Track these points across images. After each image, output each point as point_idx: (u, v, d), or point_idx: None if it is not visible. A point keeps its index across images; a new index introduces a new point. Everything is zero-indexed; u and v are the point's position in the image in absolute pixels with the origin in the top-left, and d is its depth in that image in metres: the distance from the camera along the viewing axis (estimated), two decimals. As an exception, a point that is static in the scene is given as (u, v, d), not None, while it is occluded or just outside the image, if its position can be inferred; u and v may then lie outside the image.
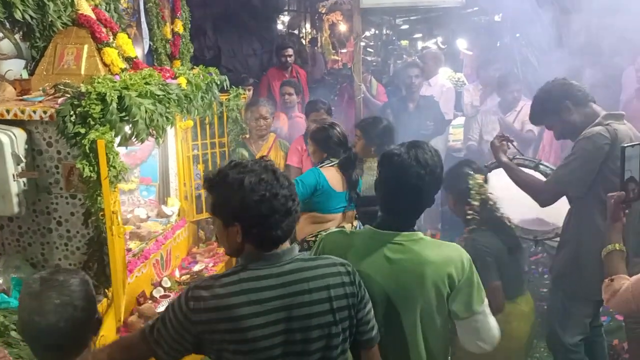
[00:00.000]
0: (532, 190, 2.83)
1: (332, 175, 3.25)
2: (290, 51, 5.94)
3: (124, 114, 2.42)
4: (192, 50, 4.74)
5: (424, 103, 4.86)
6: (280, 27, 11.95)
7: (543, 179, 3.03)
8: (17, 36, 2.83)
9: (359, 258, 1.82)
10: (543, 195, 2.80)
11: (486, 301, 1.87)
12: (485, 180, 2.77)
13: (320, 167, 3.26)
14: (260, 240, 1.59)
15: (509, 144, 3.07)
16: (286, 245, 1.63)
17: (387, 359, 1.80)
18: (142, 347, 1.57)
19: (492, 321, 1.88)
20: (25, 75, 2.83)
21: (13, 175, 2.46)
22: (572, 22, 5.56)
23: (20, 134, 2.48)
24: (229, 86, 3.67)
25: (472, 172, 2.75)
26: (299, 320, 1.54)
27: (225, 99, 3.79)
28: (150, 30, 4.11)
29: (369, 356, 1.72)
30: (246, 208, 1.54)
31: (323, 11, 13.83)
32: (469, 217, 2.72)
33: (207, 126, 3.72)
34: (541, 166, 3.15)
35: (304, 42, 13.06)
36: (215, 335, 1.52)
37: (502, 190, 3.05)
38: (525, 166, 3.10)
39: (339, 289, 1.60)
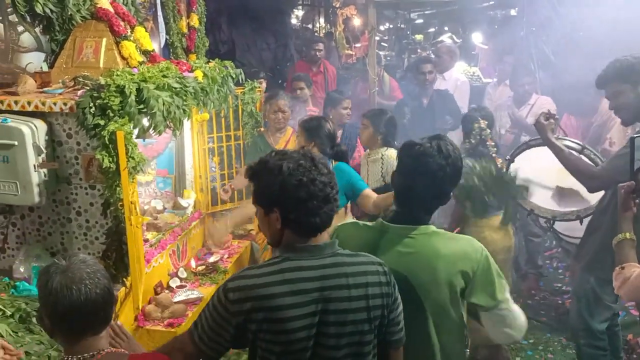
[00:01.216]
0: (584, 175, 2.75)
1: None
2: (321, 45, 5.97)
3: (142, 106, 2.46)
4: (207, 44, 4.78)
5: (438, 97, 4.84)
6: (294, 21, 11.97)
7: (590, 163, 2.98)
8: (37, 29, 2.89)
9: (370, 252, 1.78)
10: (595, 182, 2.72)
11: (508, 289, 1.83)
12: (488, 125, 3.36)
13: None
14: (299, 227, 1.58)
15: (556, 121, 2.96)
16: (327, 238, 1.63)
17: (404, 354, 1.76)
18: (189, 345, 1.59)
19: (517, 308, 1.85)
20: (45, 68, 2.88)
21: (34, 166, 2.52)
22: (589, 15, 5.50)
23: (41, 126, 2.54)
24: (244, 79, 3.70)
25: (479, 116, 3.38)
26: (335, 314, 1.54)
27: (241, 92, 3.82)
28: (166, 24, 4.15)
29: (396, 356, 1.71)
30: (284, 192, 1.55)
31: (337, 5, 13.81)
32: (466, 145, 3.34)
33: (223, 119, 3.75)
34: (586, 150, 3.05)
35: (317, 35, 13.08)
36: (252, 325, 1.52)
37: (524, 167, 3.11)
38: (571, 148, 2.98)
39: (375, 287, 1.59)
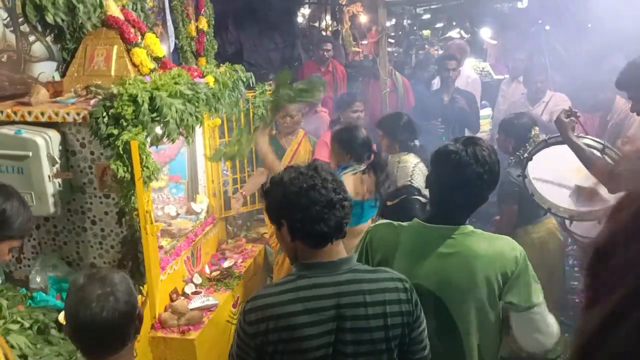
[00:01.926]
0: (605, 175, 2.68)
1: (353, 184, 3.01)
2: (329, 45, 5.94)
3: (155, 114, 2.45)
4: (216, 47, 4.77)
5: (461, 97, 4.79)
6: (300, 19, 11.94)
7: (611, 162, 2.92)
8: (48, 39, 2.88)
9: (407, 254, 1.79)
10: (616, 183, 2.64)
11: (542, 295, 1.79)
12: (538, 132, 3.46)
13: (344, 174, 3.04)
14: (307, 236, 1.56)
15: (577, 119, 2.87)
16: (342, 253, 1.60)
17: (439, 356, 1.75)
18: None
19: (551, 316, 1.81)
20: (57, 77, 2.88)
21: (48, 177, 2.51)
22: (599, 5, 5.43)
23: (54, 136, 2.53)
24: (254, 83, 3.68)
25: (531, 123, 3.48)
26: (352, 332, 1.51)
27: (251, 96, 3.80)
28: (175, 28, 4.14)
29: None
30: (287, 202, 1.55)
31: (343, 3, 13.77)
32: (517, 153, 3.37)
33: (234, 123, 3.74)
34: (607, 149, 2.97)
35: (325, 34, 13.04)
36: (269, 347, 1.50)
37: (542, 166, 3.06)
38: (592, 147, 2.91)
39: (394, 305, 1.55)
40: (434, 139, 4.17)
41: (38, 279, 2.69)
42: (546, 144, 3.09)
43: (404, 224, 1.89)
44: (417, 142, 3.55)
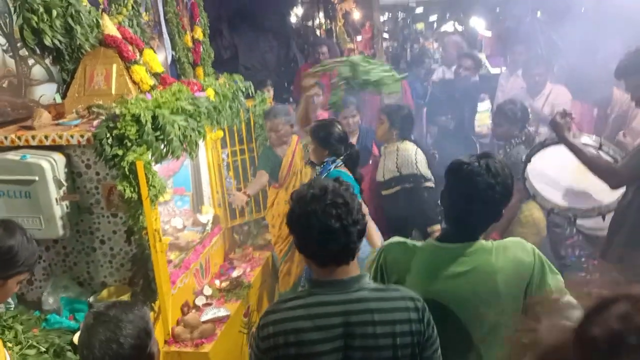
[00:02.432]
0: (605, 172, 2.71)
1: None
2: (324, 48, 5.92)
3: (158, 132, 2.46)
4: (212, 56, 4.78)
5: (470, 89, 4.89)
6: (294, 19, 11.92)
7: (608, 159, 2.94)
8: (47, 61, 2.89)
9: (423, 276, 1.79)
10: (617, 179, 2.69)
11: (563, 284, 1.78)
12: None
13: (338, 166, 3.17)
14: (311, 256, 1.59)
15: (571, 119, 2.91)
16: (354, 272, 1.60)
17: None
18: None
19: (577, 303, 1.82)
20: (58, 99, 2.89)
21: (56, 200, 2.53)
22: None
23: (59, 159, 2.54)
24: (254, 92, 3.69)
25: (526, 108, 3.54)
26: (360, 350, 1.52)
27: (251, 105, 3.81)
28: (171, 40, 4.15)
29: None
30: (291, 220, 1.59)
31: (335, 1, 13.76)
32: (515, 139, 3.45)
33: (235, 133, 3.75)
34: (604, 147, 3.01)
35: (318, 33, 13.02)
36: None
37: (542, 166, 3.09)
38: (589, 145, 2.95)
39: (404, 325, 1.54)
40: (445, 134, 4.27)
41: (51, 301, 2.71)
42: (543, 145, 3.10)
43: (418, 243, 1.89)
44: (412, 137, 3.65)
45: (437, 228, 3.50)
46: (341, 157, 3.16)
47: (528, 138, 3.52)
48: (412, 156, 3.53)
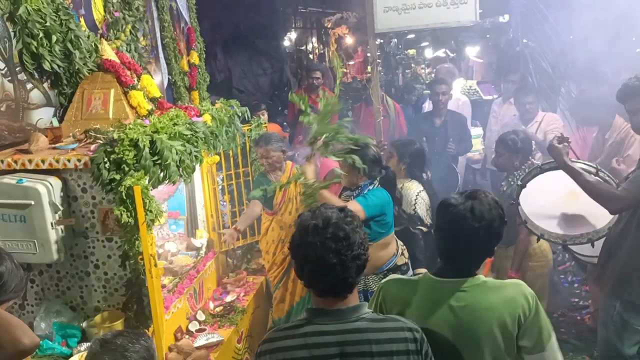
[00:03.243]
0: (605, 197, 2.72)
1: None
2: (318, 73, 5.97)
3: (156, 157, 2.47)
4: (208, 80, 4.82)
5: (452, 119, 4.88)
6: (287, 43, 12.06)
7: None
8: (45, 85, 2.91)
9: (422, 311, 1.80)
10: (619, 204, 2.70)
11: (554, 334, 1.83)
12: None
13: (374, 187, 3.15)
14: (310, 286, 1.60)
15: (569, 145, 2.94)
16: (353, 301, 1.61)
17: None
18: None
19: (559, 353, 1.83)
20: (55, 123, 2.89)
21: (51, 224, 2.52)
22: (580, 18, 5.54)
23: (56, 183, 2.54)
24: (249, 117, 3.71)
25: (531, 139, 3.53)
26: None
27: (247, 129, 3.83)
28: (168, 64, 4.19)
29: None
30: (291, 249, 1.61)
31: (329, 26, 13.95)
32: (517, 170, 3.44)
33: (231, 158, 3.76)
34: (600, 172, 3.03)
35: (312, 57, 13.16)
36: None
37: (533, 192, 3.12)
38: (586, 171, 2.95)
39: (402, 356, 1.55)
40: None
41: (43, 326, 2.68)
42: (540, 170, 3.13)
43: (415, 278, 1.92)
44: (424, 175, 3.58)
45: (422, 271, 3.41)
46: (377, 179, 3.15)
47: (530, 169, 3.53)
48: (412, 197, 3.48)
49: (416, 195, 3.46)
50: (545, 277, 3.52)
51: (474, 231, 1.76)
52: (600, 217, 2.89)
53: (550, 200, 3.07)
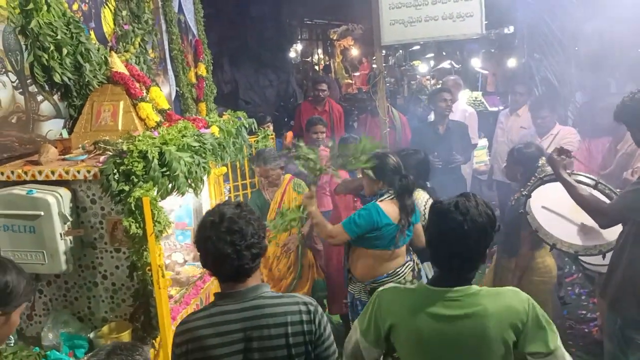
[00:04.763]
0: (596, 211, 2.76)
1: (392, 210, 3.10)
2: (324, 86, 5.99)
3: (165, 169, 2.49)
4: (215, 92, 4.86)
5: (454, 127, 4.87)
6: (293, 55, 12.15)
7: (603, 198, 2.99)
8: (55, 97, 2.94)
9: (417, 320, 1.80)
10: (606, 218, 2.73)
11: (559, 336, 1.81)
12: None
13: (380, 201, 3.13)
14: (213, 274, 1.86)
15: (569, 158, 2.98)
16: (253, 283, 1.83)
17: None
18: None
19: (569, 357, 1.82)
20: (65, 134, 2.92)
21: (60, 234, 2.53)
22: (584, 31, 5.56)
23: (65, 194, 2.56)
24: (256, 128, 3.74)
25: (540, 154, 3.48)
26: (258, 351, 1.75)
27: (254, 141, 3.86)
28: (176, 76, 4.23)
29: None
30: (194, 241, 1.86)
31: (334, 37, 14.06)
32: (529, 181, 3.38)
33: (238, 169, 3.78)
34: (600, 185, 3.04)
35: (317, 68, 13.25)
36: None
37: (544, 203, 3.12)
38: (584, 184, 2.99)
39: (297, 325, 1.77)
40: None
41: (50, 336, 2.68)
42: (542, 181, 3.15)
43: (411, 286, 1.94)
44: (428, 184, 3.57)
45: None
46: (392, 189, 3.13)
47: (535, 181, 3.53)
48: (421, 206, 3.45)
49: (424, 204, 3.46)
50: (549, 293, 3.48)
51: (459, 225, 1.74)
52: (612, 229, 2.88)
53: (564, 210, 3.08)
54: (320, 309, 1.85)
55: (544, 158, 3.47)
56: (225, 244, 1.74)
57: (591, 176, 3.09)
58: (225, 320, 1.77)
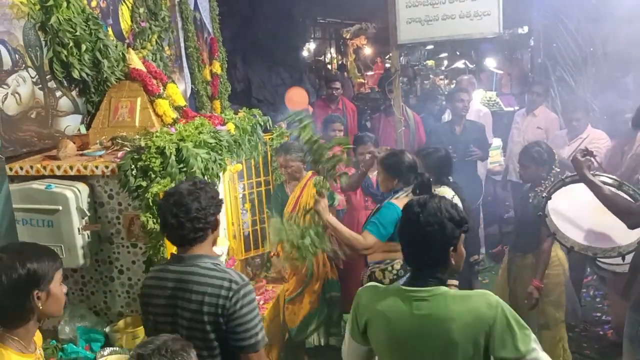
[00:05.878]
0: (623, 211, 2.71)
1: None
2: (337, 84, 5.97)
3: (182, 165, 2.50)
4: (229, 89, 4.87)
5: (471, 127, 4.85)
6: (306, 54, 12.15)
7: (628, 199, 2.93)
8: (73, 93, 2.97)
9: (389, 319, 1.84)
10: (632, 219, 2.68)
11: (534, 337, 1.78)
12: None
13: (395, 199, 3.06)
14: (168, 239, 2.20)
15: (594, 159, 2.94)
16: (197, 252, 2.08)
17: None
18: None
19: (545, 356, 1.79)
20: (82, 130, 2.95)
21: (78, 229, 2.56)
22: (599, 31, 5.50)
23: (83, 189, 2.59)
24: (271, 126, 3.74)
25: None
26: (181, 309, 2.04)
27: (269, 139, 3.86)
28: (191, 74, 4.25)
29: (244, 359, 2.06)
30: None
31: (347, 36, 14.05)
32: (544, 181, 3.41)
33: (253, 166, 3.79)
34: (624, 186, 2.99)
35: (330, 67, 13.23)
36: (143, 308, 2.17)
37: (563, 204, 3.09)
38: (608, 184, 2.93)
39: (213, 298, 1.97)
40: None
41: (67, 330, 2.71)
42: (564, 182, 3.11)
43: (388, 287, 1.97)
44: (450, 179, 3.54)
45: (455, 282, 3.18)
46: (410, 186, 3.07)
47: (556, 179, 3.50)
48: None
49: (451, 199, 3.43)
50: (562, 286, 3.48)
51: (415, 216, 1.83)
52: (631, 230, 2.85)
53: (581, 212, 3.04)
54: (245, 290, 2.00)
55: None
56: (170, 215, 2.01)
57: (614, 177, 3.05)
58: (165, 277, 2.08)
